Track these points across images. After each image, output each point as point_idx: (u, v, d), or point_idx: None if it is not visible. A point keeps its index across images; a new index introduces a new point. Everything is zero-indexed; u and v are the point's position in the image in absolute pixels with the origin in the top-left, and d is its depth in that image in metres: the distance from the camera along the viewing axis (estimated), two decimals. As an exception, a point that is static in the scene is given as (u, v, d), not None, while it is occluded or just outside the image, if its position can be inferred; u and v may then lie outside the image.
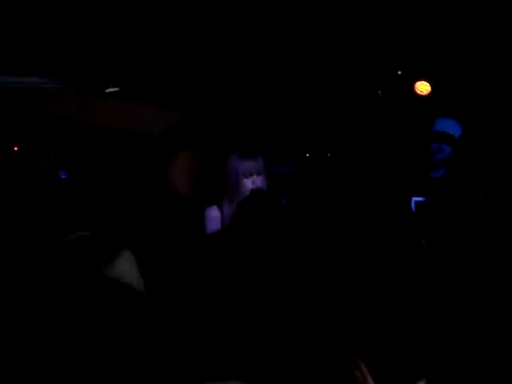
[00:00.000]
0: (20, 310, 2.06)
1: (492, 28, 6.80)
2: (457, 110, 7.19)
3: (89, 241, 2.74)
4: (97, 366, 1.97)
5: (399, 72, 7.36)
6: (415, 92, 7.31)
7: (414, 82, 7.28)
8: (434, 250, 4.50)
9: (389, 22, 6.94)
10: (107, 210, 5.44)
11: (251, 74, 7.24)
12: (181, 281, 3.94)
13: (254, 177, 4.30)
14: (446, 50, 7.08)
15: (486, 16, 6.75)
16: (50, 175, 5.76)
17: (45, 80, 6.88)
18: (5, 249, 4.76)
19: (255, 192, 4.15)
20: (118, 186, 6.41)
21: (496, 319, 4.00)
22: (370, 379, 1.86)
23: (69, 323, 2.03)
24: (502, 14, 6.64)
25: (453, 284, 4.19)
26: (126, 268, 2.66)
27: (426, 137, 6.27)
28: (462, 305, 4.13)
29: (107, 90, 7.19)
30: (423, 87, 7.33)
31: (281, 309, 3.49)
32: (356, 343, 3.54)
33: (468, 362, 3.87)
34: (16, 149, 6.49)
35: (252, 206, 4.01)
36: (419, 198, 5.48)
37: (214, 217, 4.34)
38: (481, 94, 7.16)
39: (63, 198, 5.52)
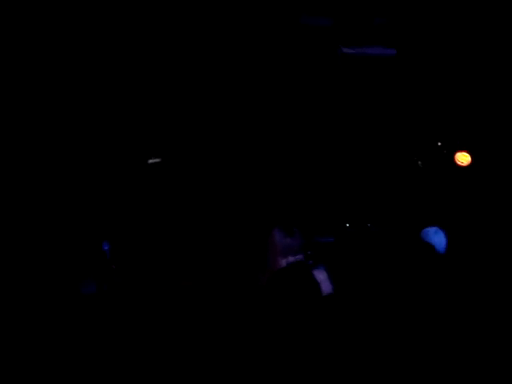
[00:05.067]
0: None
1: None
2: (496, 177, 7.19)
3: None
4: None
5: (439, 143, 7.37)
6: (455, 163, 7.31)
7: (455, 153, 7.29)
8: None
9: (428, 94, 6.99)
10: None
11: (290, 151, 7.33)
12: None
13: (289, 258, 4.36)
14: (485, 121, 7.10)
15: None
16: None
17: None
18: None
19: (288, 268, 4.25)
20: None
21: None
22: None
23: None
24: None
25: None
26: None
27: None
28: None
29: (149, 161, 7.30)
30: (463, 158, 7.33)
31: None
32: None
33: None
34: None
35: (282, 281, 4.15)
36: None
37: None
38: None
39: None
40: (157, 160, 7.38)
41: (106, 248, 6.22)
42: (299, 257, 4.37)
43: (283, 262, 4.34)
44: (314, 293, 4.26)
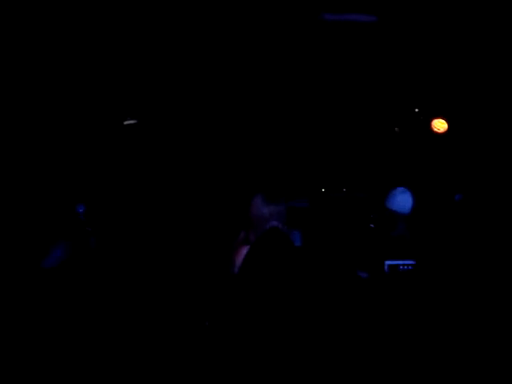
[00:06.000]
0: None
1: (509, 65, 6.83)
2: (472, 148, 7.22)
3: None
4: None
5: (416, 110, 7.38)
6: (432, 129, 7.33)
7: (431, 120, 7.30)
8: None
9: (407, 61, 6.98)
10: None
11: (271, 114, 7.30)
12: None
13: (275, 223, 4.35)
14: (462, 88, 7.10)
15: (505, 54, 6.78)
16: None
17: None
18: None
19: (270, 232, 4.26)
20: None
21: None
22: None
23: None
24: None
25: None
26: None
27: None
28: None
29: (125, 123, 7.24)
30: (440, 125, 7.34)
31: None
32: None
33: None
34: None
35: (264, 247, 4.18)
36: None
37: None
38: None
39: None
40: (133, 121, 7.33)
41: (81, 210, 6.15)
42: (278, 223, 4.37)
43: (266, 226, 4.34)
44: (291, 258, 4.30)
